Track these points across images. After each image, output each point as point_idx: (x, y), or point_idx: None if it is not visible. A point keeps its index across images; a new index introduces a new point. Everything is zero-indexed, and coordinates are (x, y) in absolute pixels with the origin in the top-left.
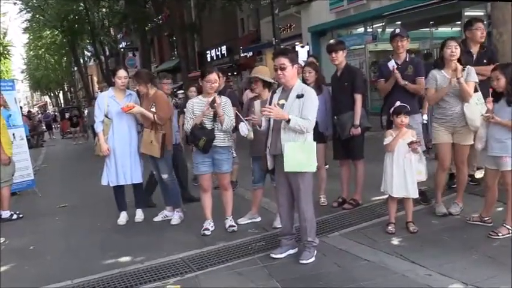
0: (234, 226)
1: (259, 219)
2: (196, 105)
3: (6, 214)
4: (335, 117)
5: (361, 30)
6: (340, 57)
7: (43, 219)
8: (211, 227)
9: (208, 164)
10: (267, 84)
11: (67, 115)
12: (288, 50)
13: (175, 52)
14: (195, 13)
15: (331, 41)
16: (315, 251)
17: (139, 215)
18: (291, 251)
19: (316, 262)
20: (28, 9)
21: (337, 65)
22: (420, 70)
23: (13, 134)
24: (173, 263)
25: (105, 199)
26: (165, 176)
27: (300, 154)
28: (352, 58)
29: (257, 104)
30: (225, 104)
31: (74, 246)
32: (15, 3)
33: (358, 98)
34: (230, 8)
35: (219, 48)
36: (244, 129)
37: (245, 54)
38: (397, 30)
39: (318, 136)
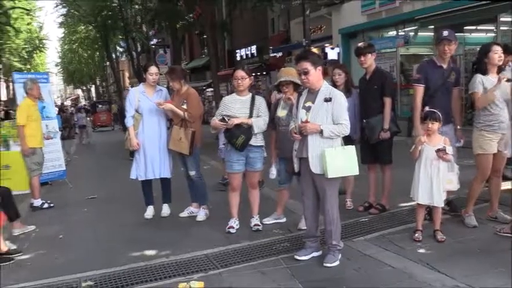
0: (259, 225)
1: (284, 219)
2: (230, 103)
3: (37, 203)
4: (364, 120)
5: (392, 33)
6: (369, 60)
7: (72, 210)
8: (236, 225)
9: (242, 162)
10: (296, 86)
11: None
12: (309, 52)
13: (206, 50)
14: (226, 12)
15: (360, 44)
16: (340, 255)
17: (165, 209)
18: (315, 254)
19: (339, 266)
20: (63, 5)
21: (366, 68)
22: (460, 80)
23: (46, 125)
24: (197, 259)
25: (133, 193)
26: (192, 173)
27: (342, 159)
28: (383, 61)
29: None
30: (260, 104)
31: (100, 238)
32: None
33: (388, 101)
34: (261, 8)
35: (249, 48)
36: (273, 173)
37: (274, 54)
38: (445, 33)
39: (346, 139)
